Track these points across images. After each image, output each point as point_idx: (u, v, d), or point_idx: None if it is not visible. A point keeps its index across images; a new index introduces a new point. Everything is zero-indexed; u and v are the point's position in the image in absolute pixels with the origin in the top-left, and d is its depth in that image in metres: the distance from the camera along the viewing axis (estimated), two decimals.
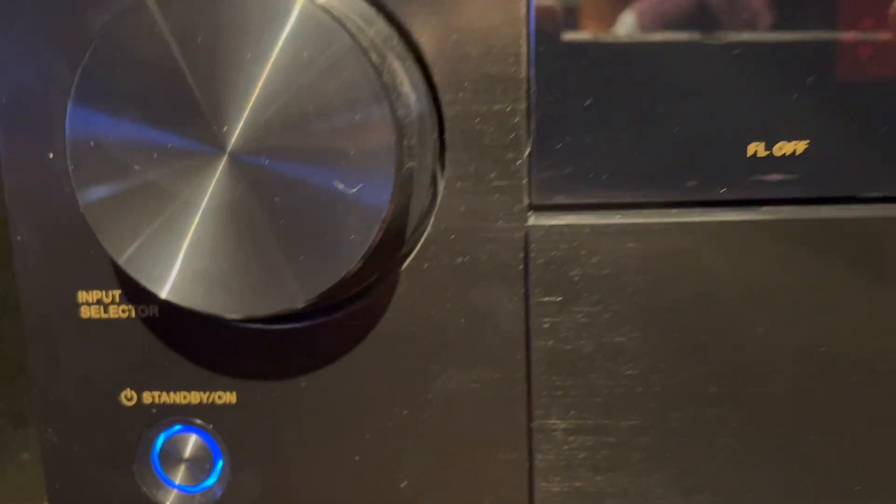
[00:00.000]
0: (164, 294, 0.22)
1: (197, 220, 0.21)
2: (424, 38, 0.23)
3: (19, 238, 0.25)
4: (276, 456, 0.26)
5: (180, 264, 0.22)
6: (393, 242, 0.24)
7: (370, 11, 0.23)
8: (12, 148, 0.25)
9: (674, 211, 0.23)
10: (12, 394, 0.41)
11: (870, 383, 0.24)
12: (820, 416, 0.24)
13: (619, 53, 0.22)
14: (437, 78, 0.23)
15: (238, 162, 0.21)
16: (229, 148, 0.21)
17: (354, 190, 0.21)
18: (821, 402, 0.24)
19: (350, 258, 0.21)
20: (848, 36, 0.22)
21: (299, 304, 0.21)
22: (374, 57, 0.21)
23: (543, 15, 0.22)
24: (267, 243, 0.21)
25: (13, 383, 0.41)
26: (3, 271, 0.37)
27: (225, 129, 0.21)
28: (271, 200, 0.21)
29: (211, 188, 0.21)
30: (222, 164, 0.21)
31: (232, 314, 0.22)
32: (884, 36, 0.22)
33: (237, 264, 0.21)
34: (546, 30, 0.22)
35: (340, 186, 0.21)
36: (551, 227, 0.23)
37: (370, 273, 0.24)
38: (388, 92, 0.21)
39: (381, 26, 0.23)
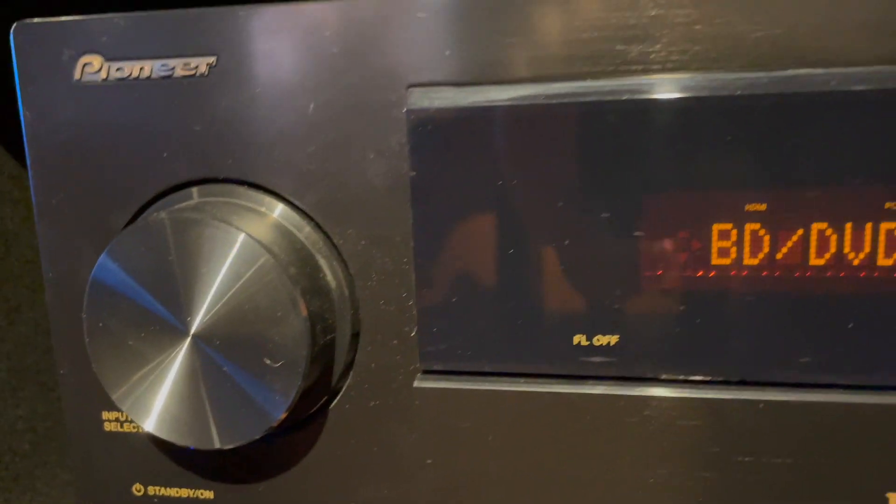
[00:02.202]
0: (148, 429, 0.31)
1: (170, 380, 0.30)
2: (342, 243, 0.31)
3: (62, 371, 0.35)
4: None
5: (159, 410, 0.30)
6: (318, 393, 0.32)
7: (302, 222, 0.31)
8: (57, 312, 0.34)
9: (521, 381, 0.30)
10: None
11: None
12: None
13: (479, 268, 0.29)
14: (353, 270, 0.31)
15: (197, 342, 0.29)
16: (192, 332, 0.29)
17: (278, 364, 0.29)
18: None
19: (275, 414, 0.29)
20: (650, 247, 0.28)
21: (237, 444, 0.30)
22: (291, 270, 0.29)
23: (421, 239, 0.30)
24: (216, 400, 0.30)
25: None
26: None
27: (189, 318, 0.30)
28: (220, 370, 0.29)
29: (179, 359, 0.30)
30: (187, 342, 0.30)
31: (194, 446, 0.30)
32: (686, 244, 0.29)
33: (196, 413, 0.30)
34: (423, 247, 0.30)
35: (268, 362, 0.29)
36: (432, 388, 0.31)
37: (305, 410, 0.32)
38: (302, 294, 0.29)
39: (309, 232, 0.32)
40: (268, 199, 0.32)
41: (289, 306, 0.29)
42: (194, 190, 0.33)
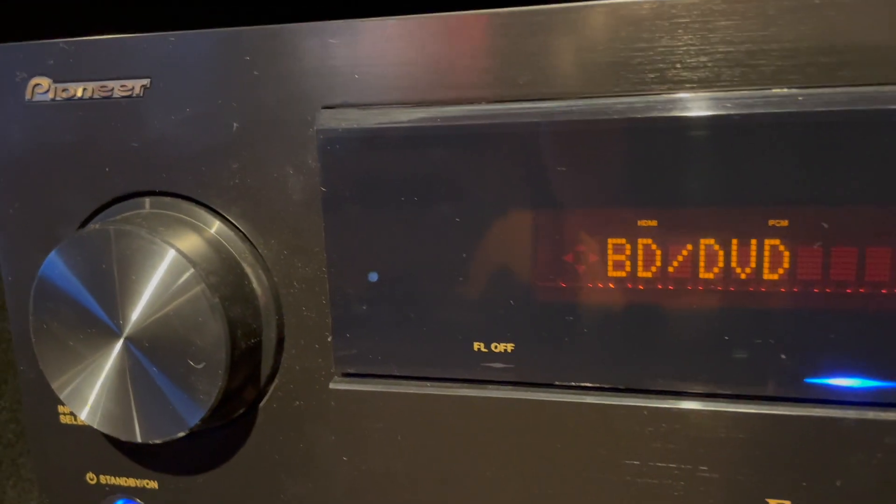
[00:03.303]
0: (82, 418, 0.33)
1: (104, 376, 0.33)
2: (266, 253, 0.33)
3: (21, 368, 0.38)
4: None
5: (92, 402, 0.33)
6: (249, 392, 0.34)
7: (231, 234, 0.34)
8: (16, 313, 0.37)
9: (428, 384, 0.32)
10: None
11: None
12: None
13: (387, 278, 0.31)
14: (276, 279, 0.34)
15: (129, 344, 0.32)
16: (124, 335, 0.32)
17: (201, 366, 0.31)
18: None
19: (191, 419, 0.32)
20: (542, 260, 0.30)
21: (157, 440, 0.32)
22: (212, 279, 0.32)
23: (332, 251, 0.32)
24: (140, 399, 0.32)
25: None
26: None
27: (122, 322, 0.32)
28: (149, 370, 0.32)
29: (112, 358, 0.32)
30: (120, 344, 0.32)
31: (123, 438, 0.33)
32: (582, 257, 0.30)
33: (123, 408, 0.32)
34: (334, 258, 0.32)
35: (191, 363, 0.32)
36: (346, 390, 0.33)
37: (239, 407, 0.35)
38: (222, 301, 0.31)
39: (238, 244, 0.34)
40: (203, 211, 0.34)
41: (208, 313, 0.31)
42: (147, 200, 0.35)
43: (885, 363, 0.28)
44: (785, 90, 0.27)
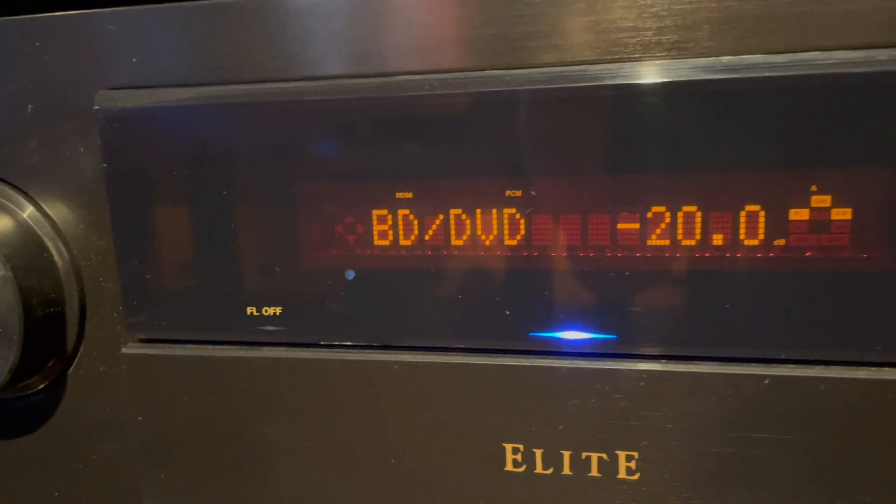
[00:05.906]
0: None
1: None
2: (65, 227, 0.36)
3: None
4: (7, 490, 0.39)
5: None
6: (58, 358, 0.36)
7: (33, 209, 0.36)
8: None
9: (210, 347, 0.34)
10: None
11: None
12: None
13: (167, 248, 0.34)
14: (76, 251, 0.36)
15: None
16: None
17: None
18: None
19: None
20: (306, 230, 0.32)
21: None
22: (4, 250, 0.34)
23: (117, 223, 0.34)
24: None
25: None
26: None
27: None
28: None
29: None
30: None
31: None
32: (351, 227, 0.33)
33: None
34: (119, 230, 0.34)
35: None
36: (136, 354, 0.35)
37: (52, 374, 0.37)
38: (14, 271, 0.34)
39: (39, 219, 0.36)
40: (8, 188, 0.36)
41: (2, 284, 0.33)
42: None
43: (597, 318, 0.30)
44: (501, 72, 0.30)
